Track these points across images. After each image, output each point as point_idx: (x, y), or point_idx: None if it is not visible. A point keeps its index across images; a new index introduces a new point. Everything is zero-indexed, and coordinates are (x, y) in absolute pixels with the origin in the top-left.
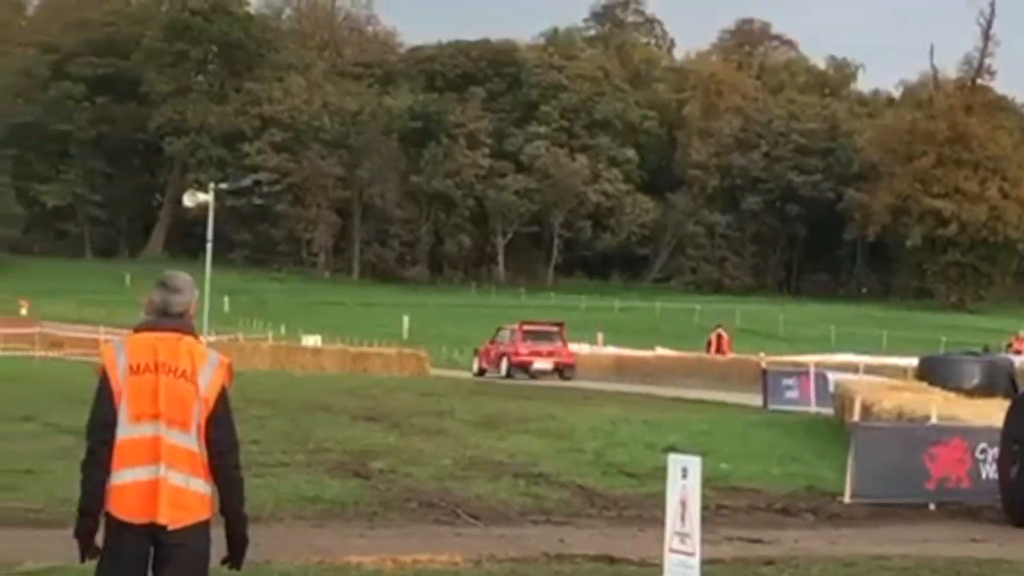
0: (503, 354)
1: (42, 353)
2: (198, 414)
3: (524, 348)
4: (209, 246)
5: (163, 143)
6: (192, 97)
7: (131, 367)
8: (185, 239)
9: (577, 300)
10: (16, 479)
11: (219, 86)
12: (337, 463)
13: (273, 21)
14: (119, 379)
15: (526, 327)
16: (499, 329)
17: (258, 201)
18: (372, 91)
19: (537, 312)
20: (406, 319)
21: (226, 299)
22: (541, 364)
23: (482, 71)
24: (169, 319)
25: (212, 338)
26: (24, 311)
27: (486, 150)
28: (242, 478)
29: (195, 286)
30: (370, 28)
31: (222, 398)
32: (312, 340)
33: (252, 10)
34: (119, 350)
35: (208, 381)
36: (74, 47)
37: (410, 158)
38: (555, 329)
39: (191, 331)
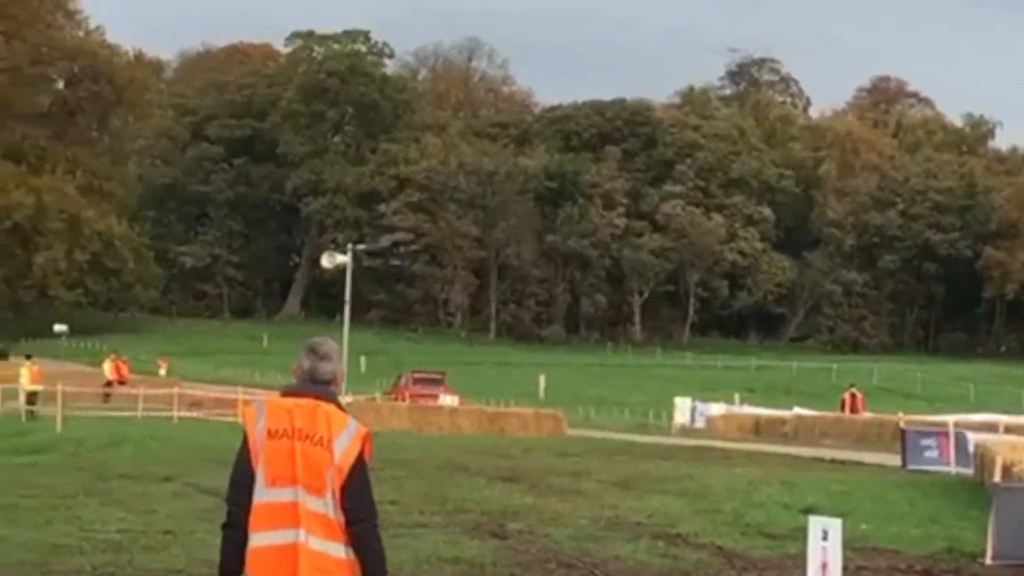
0: (398, 396)
1: (181, 413)
2: (332, 481)
3: (413, 391)
4: (347, 307)
5: (300, 204)
6: (329, 158)
7: (269, 431)
8: (322, 299)
9: (713, 359)
10: (157, 540)
11: (355, 147)
12: (475, 524)
13: (409, 82)
14: (257, 442)
15: (416, 375)
16: (399, 376)
17: (395, 262)
18: (508, 151)
19: (674, 371)
20: (542, 379)
21: (363, 359)
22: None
23: (617, 130)
24: (314, 386)
25: (349, 399)
26: (163, 371)
27: (622, 209)
28: (380, 548)
29: (341, 354)
30: (505, 88)
31: (357, 467)
32: (449, 400)
33: (388, 71)
34: (260, 413)
35: (344, 450)
36: (212, 109)
37: (546, 218)
38: (440, 376)
39: (333, 399)
